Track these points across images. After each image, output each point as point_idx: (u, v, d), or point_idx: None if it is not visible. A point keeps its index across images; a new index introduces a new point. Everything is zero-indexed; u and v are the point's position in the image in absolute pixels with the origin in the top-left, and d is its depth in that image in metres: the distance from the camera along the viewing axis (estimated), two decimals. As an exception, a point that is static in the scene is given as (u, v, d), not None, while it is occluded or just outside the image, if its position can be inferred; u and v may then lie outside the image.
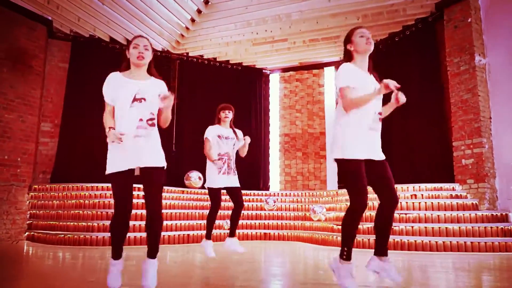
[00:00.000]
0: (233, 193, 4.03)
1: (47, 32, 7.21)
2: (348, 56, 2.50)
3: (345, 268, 2.24)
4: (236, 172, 4.08)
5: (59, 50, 7.48)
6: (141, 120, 2.35)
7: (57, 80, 7.41)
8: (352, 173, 2.27)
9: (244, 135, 4.19)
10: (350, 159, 2.28)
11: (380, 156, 2.38)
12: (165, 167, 2.44)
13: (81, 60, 7.55)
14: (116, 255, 2.41)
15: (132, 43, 2.46)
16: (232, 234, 4.10)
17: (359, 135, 2.32)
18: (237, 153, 4.17)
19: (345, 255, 2.25)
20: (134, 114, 2.34)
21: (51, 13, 6.94)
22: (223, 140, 4.04)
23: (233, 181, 4.00)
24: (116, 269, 2.40)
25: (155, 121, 2.45)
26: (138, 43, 2.43)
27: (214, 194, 4.00)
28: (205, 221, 6.26)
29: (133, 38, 2.50)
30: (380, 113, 2.43)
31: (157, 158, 2.39)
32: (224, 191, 4.05)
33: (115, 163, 2.33)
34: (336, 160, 2.35)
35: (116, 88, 2.40)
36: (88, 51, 7.61)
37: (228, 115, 4.16)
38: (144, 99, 2.37)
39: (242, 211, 6.85)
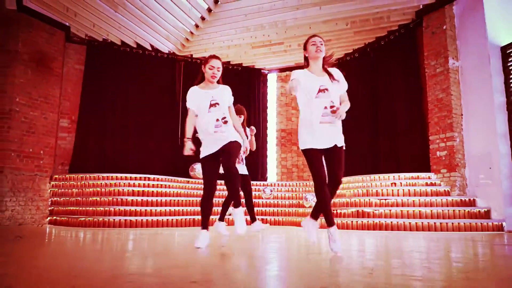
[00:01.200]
0: (242, 180, 4.84)
1: (65, 37, 7.95)
2: (305, 61, 3.04)
3: (312, 223, 3.00)
4: (244, 162, 5.05)
5: (76, 53, 8.22)
6: (217, 120, 3.26)
7: (74, 81, 8.16)
8: (307, 160, 2.91)
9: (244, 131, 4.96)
10: (304, 149, 2.90)
11: (332, 143, 2.83)
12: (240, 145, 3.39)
13: (95, 62, 8.30)
14: (203, 225, 3.36)
15: (208, 64, 3.35)
16: (221, 219, 5.01)
17: (309, 129, 2.85)
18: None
19: (313, 215, 3.01)
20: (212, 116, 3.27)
21: (69, 20, 7.67)
22: None
23: (241, 169, 4.88)
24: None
25: (227, 119, 3.33)
26: (213, 65, 3.32)
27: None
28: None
29: (209, 58, 3.36)
30: (331, 107, 2.80)
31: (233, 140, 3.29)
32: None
33: (204, 150, 3.33)
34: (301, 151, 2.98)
35: (197, 99, 3.32)
36: (102, 54, 8.36)
37: (240, 118, 4.93)
38: (218, 104, 3.31)
39: (242, 200, 7.72)
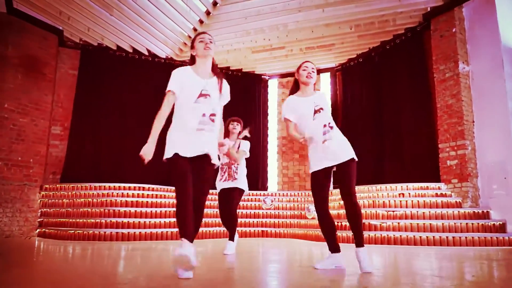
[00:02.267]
0: (234, 195, 4.29)
1: (58, 41, 7.67)
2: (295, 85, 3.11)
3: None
4: (237, 177, 4.33)
5: (69, 57, 7.93)
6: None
7: (67, 86, 7.86)
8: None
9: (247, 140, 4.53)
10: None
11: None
12: None
13: (90, 67, 8.01)
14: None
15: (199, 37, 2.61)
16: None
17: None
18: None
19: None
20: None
21: (62, 23, 7.40)
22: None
23: (233, 184, 4.28)
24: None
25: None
26: (203, 38, 2.60)
27: (219, 197, 4.39)
28: (205, 219, 6.66)
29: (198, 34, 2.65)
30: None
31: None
32: None
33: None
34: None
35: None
36: (97, 59, 8.06)
37: (236, 127, 4.52)
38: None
39: (241, 210, 7.25)
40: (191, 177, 2.40)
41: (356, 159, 2.92)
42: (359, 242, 2.77)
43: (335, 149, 2.86)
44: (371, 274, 2.63)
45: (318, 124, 2.89)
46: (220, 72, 2.70)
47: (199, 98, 2.48)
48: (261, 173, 9.15)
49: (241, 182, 4.38)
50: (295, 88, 3.10)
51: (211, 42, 2.58)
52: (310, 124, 2.90)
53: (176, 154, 2.41)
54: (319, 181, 2.93)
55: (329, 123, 2.90)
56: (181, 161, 2.40)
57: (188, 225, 2.29)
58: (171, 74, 2.59)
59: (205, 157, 2.47)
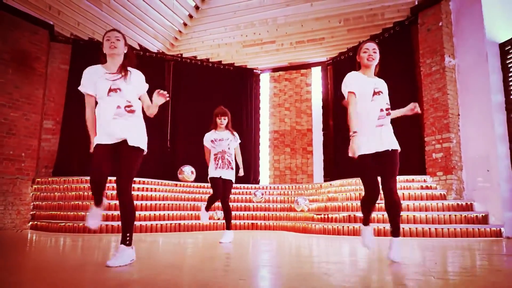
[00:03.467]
0: (224, 184, 4.77)
1: (49, 36, 7.70)
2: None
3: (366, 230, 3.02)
4: (231, 167, 4.81)
5: (60, 52, 7.97)
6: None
7: (58, 81, 7.91)
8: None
9: (236, 132, 4.96)
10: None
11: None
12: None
13: (81, 61, 7.98)
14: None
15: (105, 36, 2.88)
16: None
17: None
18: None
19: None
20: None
21: (53, 18, 7.43)
22: (216, 142, 4.83)
23: (227, 174, 4.75)
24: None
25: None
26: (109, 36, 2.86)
27: (213, 182, 4.77)
28: (196, 212, 6.86)
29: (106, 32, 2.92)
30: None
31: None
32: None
33: None
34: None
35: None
36: (87, 53, 8.05)
37: (223, 121, 4.85)
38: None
39: (232, 203, 7.45)
40: (105, 163, 2.62)
41: (399, 149, 2.90)
42: (394, 231, 2.85)
43: (386, 135, 2.85)
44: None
45: (376, 106, 2.84)
46: (126, 67, 2.80)
47: (111, 93, 2.68)
48: (253, 167, 9.23)
49: (233, 174, 4.85)
50: (358, 69, 3.04)
51: (118, 40, 2.74)
52: (368, 104, 2.85)
53: (97, 144, 2.63)
54: (368, 165, 2.83)
55: (386, 109, 2.86)
56: (99, 149, 2.62)
57: (95, 195, 2.76)
58: (83, 73, 2.87)
59: (124, 143, 2.64)
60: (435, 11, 6.54)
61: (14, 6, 6.92)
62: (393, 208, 2.80)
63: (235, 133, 4.93)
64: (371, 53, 2.93)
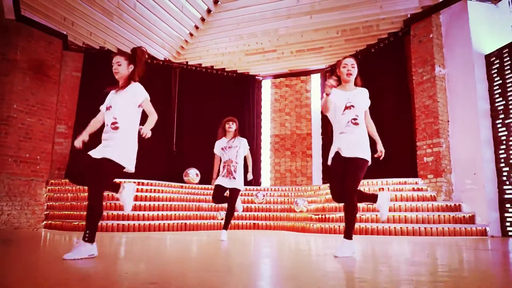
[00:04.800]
0: (230, 192, 4.93)
1: (63, 45, 8.15)
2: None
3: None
4: (233, 176, 4.88)
5: (73, 60, 8.42)
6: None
7: (71, 87, 8.36)
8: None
9: (240, 135, 5.10)
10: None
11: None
12: None
13: (92, 69, 8.50)
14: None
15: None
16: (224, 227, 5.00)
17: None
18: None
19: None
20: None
21: (66, 29, 7.89)
22: (226, 150, 4.99)
23: (231, 183, 4.87)
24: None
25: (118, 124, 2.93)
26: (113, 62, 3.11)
27: (214, 188, 4.95)
28: (200, 213, 7.24)
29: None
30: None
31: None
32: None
33: None
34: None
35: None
36: (99, 61, 8.53)
37: (231, 126, 5.02)
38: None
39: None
40: (85, 172, 2.90)
41: (367, 160, 3.07)
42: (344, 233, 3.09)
43: (347, 142, 3.07)
44: (351, 259, 2.99)
45: (345, 118, 3.13)
46: (127, 81, 3.01)
47: (107, 111, 3.00)
48: (255, 170, 9.63)
49: (239, 182, 4.92)
50: (338, 81, 3.23)
51: (119, 65, 3.01)
52: (339, 117, 3.15)
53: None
54: (331, 167, 3.17)
55: (353, 119, 3.11)
56: (85, 156, 2.93)
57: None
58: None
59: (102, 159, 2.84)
60: (426, 23, 6.96)
61: (31, 18, 7.39)
62: (345, 211, 3.04)
63: (243, 139, 5.05)
64: (350, 69, 3.17)
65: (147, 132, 2.87)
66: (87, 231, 2.74)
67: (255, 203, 8.30)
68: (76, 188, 7.44)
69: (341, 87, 3.27)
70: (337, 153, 3.15)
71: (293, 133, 9.78)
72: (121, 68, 3.03)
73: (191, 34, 8.35)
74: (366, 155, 3.10)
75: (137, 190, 7.42)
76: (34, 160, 7.46)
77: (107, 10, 7.29)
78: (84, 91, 8.43)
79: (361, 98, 3.23)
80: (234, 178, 4.88)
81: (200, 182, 8.05)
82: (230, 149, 4.96)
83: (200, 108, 9.41)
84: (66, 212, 7.11)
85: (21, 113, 7.29)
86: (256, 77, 10.20)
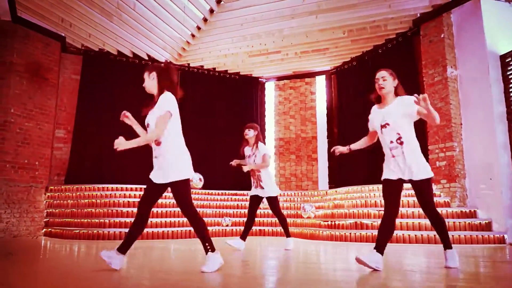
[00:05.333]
0: (267, 201, 4.84)
1: (61, 47, 7.92)
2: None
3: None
4: (262, 184, 4.77)
5: (72, 63, 8.19)
6: (391, 142, 3.03)
7: (70, 91, 8.12)
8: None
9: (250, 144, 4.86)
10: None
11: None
12: None
13: (92, 72, 8.26)
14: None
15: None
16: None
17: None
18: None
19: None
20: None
21: (65, 30, 7.65)
22: (247, 159, 4.87)
23: (261, 192, 4.79)
24: None
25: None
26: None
27: (250, 201, 4.94)
28: (204, 219, 7.06)
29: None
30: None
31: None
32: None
33: None
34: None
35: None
36: (98, 64, 8.32)
37: (248, 133, 4.81)
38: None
39: (238, 210, 7.58)
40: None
41: (428, 177, 2.96)
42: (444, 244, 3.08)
43: (404, 165, 2.94)
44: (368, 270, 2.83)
45: (386, 139, 3.01)
46: (156, 97, 2.95)
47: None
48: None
49: (270, 190, 4.77)
50: (379, 97, 3.14)
51: (144, 86, 3.00)
52: (380, 137, 3.11)
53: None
54: (386, 189, 3.04)
55: (397, 139, 2.94)
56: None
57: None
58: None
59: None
60: (437, 23, 6.74)
61: (28, 19, 7.14)
62: (434, 224, 3.07)
63: (260, 145, 4.82)
64: (381, 83, 3.04)
65: (120, 145, 2.76)
66: (205, 243, 2.78)
67: (260, 208, 8.04)
68: (76, 195, 7.21)
69: (381, 104, 3.13)
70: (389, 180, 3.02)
71: (298, 136, 9.55)
72: (147, 83, 3.02)
73: (193, 35, 8.11)
74: (426, 172, 2.97)
75: (140, 196, 7.19)
76: (32, 166, 7.22)
77: (106, 10, 7.05)
78: (84, 94, 8.20)
79: (399, 110, 2.98)
80: (261, 186, 4.79)
81: (204, 187, 7.81)
82: (249, 158, 4.84)
83: (202, 111, 9.18)
84: (66, 220, 6.87)
85: (18, 117, 7.05)
86: (260, 79, 9.97)
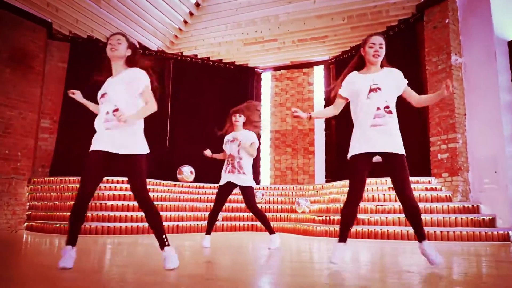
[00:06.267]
0: (242, 192, 4.23)
1: (47, 34, 7.58)
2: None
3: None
4: (243, 171, 4.21)
5: (58, 50, 7.85)
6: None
7: (56, 79, 7.78)
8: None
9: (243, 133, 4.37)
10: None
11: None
12: None
13: (79, 60, 7.91)
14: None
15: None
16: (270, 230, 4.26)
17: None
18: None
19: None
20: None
21: (51, 16, 7.31)
22: (228, 144, 4.35)
23: (238, 179, 4.17)
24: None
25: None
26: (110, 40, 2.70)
27: (218, 190, 4.32)
28: (194, 213, 6.65)
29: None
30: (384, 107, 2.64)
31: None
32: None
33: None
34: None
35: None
36: (86, 51, 7.94)
37: (238, 118, 4.39)
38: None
39: (231, 204, 7.15)
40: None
41: (405, 154, 2.64)
42: (420, 235, 2.62)
43: (388, 137, 2.60)
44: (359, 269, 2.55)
45: (372, 104, 2.60)
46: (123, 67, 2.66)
47: (101, 99, 2.62)
48: (254, 167, 9.05)
49: (249, 179, 4.26)
50: (359, 63, 2.78)
51: (119, 43, 2.59)
52: (363, 103, 2.63)
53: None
54: (355, 166, 2.65)
55: (385, 107, 2.59)
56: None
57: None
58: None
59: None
60: (442, 8, 6.36)
61: (11, 3, 6.80)
62: (410, 212, 2.62)
63: (250, 132, 4.40)
64: (378, 49, 2.67)
65: (123, 116, 2.37)
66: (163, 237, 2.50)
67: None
68: (60, 187, 6.90)
69: (364, 70, 2.75)
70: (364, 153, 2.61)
71: (294, 128, 9.20)
72: (121, 46, 2.62)
73: (185, 22, 7.78)
74: (403, 150, 2.67)
75: (126, 189, 6.87)
76: (14, 157, 6.90)
77: (94, -6, 6.71)
78: (71, 83, 7.78)
79: (392, 79, 2.70)
80: (240, 173, 4.19)
81: (195, 180, 7.46)
82: (232, 143, 4.29)
83: (195, 102, 8.83)
84: (48, 213, 6.55)
85: (0, 106, 6.72)
86: (256, 69, 9.61)
